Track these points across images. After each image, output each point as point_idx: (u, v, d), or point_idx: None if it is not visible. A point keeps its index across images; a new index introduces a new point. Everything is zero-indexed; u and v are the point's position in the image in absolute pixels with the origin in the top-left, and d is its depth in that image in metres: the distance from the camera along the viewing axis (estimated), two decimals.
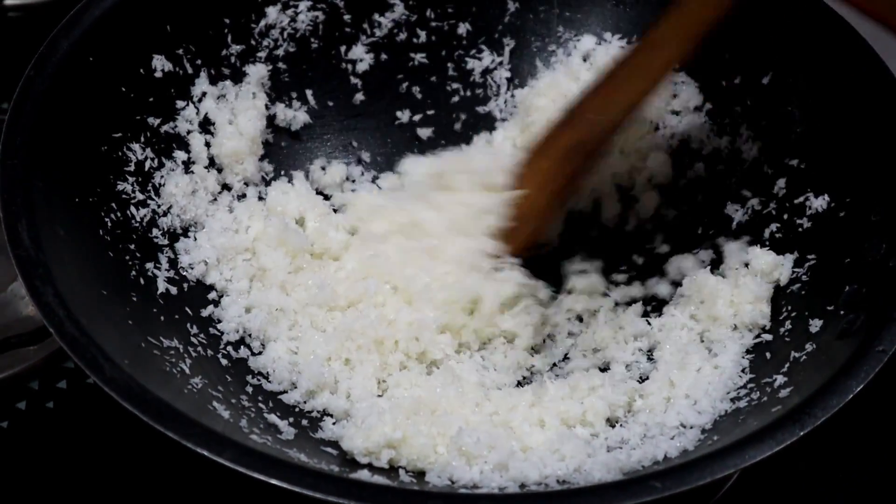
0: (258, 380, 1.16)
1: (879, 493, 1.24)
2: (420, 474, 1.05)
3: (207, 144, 1.29)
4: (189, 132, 1.28)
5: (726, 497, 1.18)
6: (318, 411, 1.15)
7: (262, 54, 1.35)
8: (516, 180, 1.18)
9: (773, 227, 1.24)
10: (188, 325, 1.16)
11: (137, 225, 1.19)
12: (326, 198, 1.36)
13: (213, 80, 1.31)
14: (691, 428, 1.08)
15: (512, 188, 1.18)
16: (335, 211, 1.35)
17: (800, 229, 1.21)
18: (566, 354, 1.25)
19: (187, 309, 1.18)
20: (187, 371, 1.08)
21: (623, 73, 1.13)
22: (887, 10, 1.66)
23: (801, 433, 0.93)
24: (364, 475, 0.99)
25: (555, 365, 1.24)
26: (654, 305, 1.28)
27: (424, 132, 1.42)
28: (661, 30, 1.12)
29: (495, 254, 1.21)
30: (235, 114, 1.32)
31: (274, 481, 0.89)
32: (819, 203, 1.19)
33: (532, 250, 1.25)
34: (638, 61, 1.12)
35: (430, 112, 1.42)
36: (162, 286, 1.17)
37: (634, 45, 1.10)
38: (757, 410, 1.03)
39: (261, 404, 1.12)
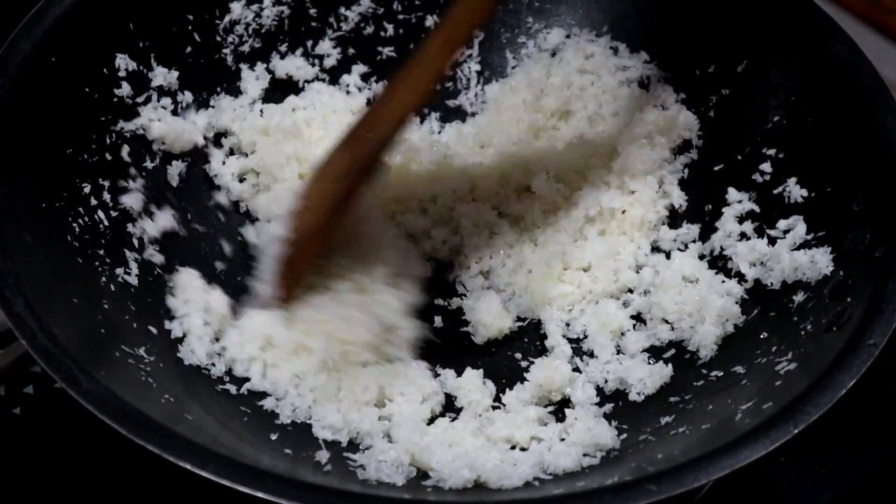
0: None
1: (863, 486, 1.24)
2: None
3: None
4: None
5: (711, 492, 1.18)
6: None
7: (227, 51, 1.32)
8: (299, 200, 1.18)
9: (753, 217, 1.23)
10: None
11: (106, 229, 1.16)
12: None
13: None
14: None
15: (295, 207, 1.17)
16: None
17: (780, 220, 1.19)
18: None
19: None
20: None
21: (392, 90, 1.14)
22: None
23: (795, 431, 0.93)
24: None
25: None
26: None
27: None
28: (427, 45, 1.13)
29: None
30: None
31: (260, 494, 0.87)
32: (799, 192, 1.19)
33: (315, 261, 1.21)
34: (407, 77, 1.13)
35: None
36: (133, 291, 1.14)
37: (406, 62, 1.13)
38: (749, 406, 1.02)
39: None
